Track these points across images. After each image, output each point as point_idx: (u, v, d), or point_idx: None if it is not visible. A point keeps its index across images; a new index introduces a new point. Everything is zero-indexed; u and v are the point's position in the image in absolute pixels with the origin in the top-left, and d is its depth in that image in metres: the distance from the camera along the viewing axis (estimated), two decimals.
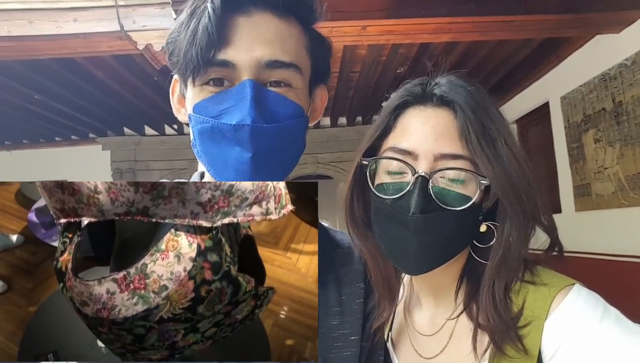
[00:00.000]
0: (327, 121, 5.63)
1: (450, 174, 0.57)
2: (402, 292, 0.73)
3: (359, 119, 5.58)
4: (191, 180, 0.69)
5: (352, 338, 0.65)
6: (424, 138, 0.59)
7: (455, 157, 0.57)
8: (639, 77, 2.76)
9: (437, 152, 0.57)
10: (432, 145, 0.58)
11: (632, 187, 2.90)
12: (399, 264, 0.61)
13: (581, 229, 3.45)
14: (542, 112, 4.01)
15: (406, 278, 0.74)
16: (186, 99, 0.60)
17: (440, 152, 0.57)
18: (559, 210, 3.72)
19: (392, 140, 0.62)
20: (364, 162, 0.63)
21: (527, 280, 0.58)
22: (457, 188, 0.57)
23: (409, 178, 0.58)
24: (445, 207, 0.57)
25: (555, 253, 0.61)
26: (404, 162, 0.58)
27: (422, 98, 0.62)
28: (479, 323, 0.59)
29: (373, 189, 0.61)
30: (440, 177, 0.57)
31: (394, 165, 0.60)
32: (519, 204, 0.57)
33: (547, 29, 2.89)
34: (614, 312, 0.53)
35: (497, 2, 2.64)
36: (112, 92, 4.20)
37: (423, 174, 0.56)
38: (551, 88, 3.75)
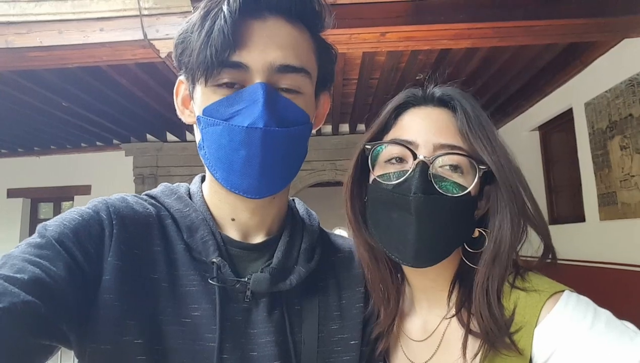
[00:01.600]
0: (345, 128, 5.64)
1: (449, 160, 0.60)
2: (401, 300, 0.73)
3: None
4: (192, 184, 0.69)
5: (352, 342, 0.65)
6: (424, 130, 0.62)
7: (454, 147, 0.61)
8: None
9: (436, 142, 0.61)
10: (431, 136, 0.61)
11: None
12: (398, 254, 0.61)
13: (606, 239, 3.34)
14: (565, 119, 3.92)
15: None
16: (194, 100, 0.61)
17: (440, 142, 0.61)
18: (582, 219, 3.62)
19: (393, 135, 0.65)
20: (367, 146, 0.65)
21: (518, 286, 0.59)
22: (455, 177, 0.60)
23: (409, 166, 0.61)
24: (446, 193, 0.59)
25: (549, 260, 0.62)
26: (406, 147, 0.61)
27: (423, 99, 0.66)
28: (470, 330, 0.59)
29: (375, 177, 0.64)
30: (440, 167, 0.60)
31: (395, 152, 0.63)
32: (513, 193, 0.59)
33: (571, 33, 2.82)
34: (604, 315, 0.53)
35: (518, 6, 2.60)
36: (135, 99, 4.31)
37: (423, 159, 0.59)
38: (575, 94, 3.66)
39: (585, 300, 0.55)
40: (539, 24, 2.66)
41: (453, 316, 0.63)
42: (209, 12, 0.55)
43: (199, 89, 0.58)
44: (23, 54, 2.89)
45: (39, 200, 6.30)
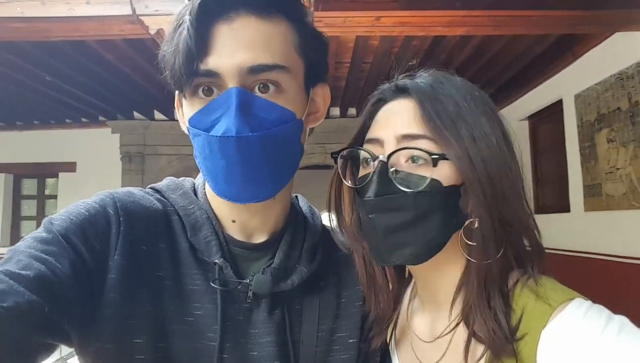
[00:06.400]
0: (336, 111, 5.61)
1: (407, 153, 0.57)
2: (400, 305, 0.72)
3: None
4: (197, 179, 0.69)
5: (350, 341, 0.66)
6: (387, 124, 0.61)
7: (415, 137, 0.57)
8: None
9: (398, 134, 0.59)
10: (393, 129, 0.60)
11: None
12: (372, 254, 0.61)
13: (589, 229, 3.42)
14: (555, 110, 3.95)
15: (412, 283, 0.73)
16: (184, 112, 0.60)
17: (401, 133, 0.59)
18: (567, 209, 3.69)
19: (368, 136, 0.64)
20: (334, 155, 0.65)
21: (531, 288, 0.56)
22: (418, 170, 0.57)
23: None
24: (405, 189, 0.56)
25: (537, 257, 0.59)
26: (366, 150, 0.61)
27: (391, 93, 0.64)
28: (474, 333, 0.57)
29: (349, 184, 0.64)
30: (405, 162, 0.58)
31: (362, 156, 0.63)
32: (482, 188, 0.54)
33: (565, 25, 2.83)
34: (617, 321, 0.49)
35: None
36: (122, 76, 4.20)
37: (381, 158, 0.58)
38: (565, 85, 3.69)
39: (598, 307, 0.52)
40: (534, 14, 2.66)
41: (460, 321, 0.60)
42: (180, 24, 0.54)
43: (183, 100, 0.58)
44: (3, 24, 2.78)
45: (22, 176, 6.17)
